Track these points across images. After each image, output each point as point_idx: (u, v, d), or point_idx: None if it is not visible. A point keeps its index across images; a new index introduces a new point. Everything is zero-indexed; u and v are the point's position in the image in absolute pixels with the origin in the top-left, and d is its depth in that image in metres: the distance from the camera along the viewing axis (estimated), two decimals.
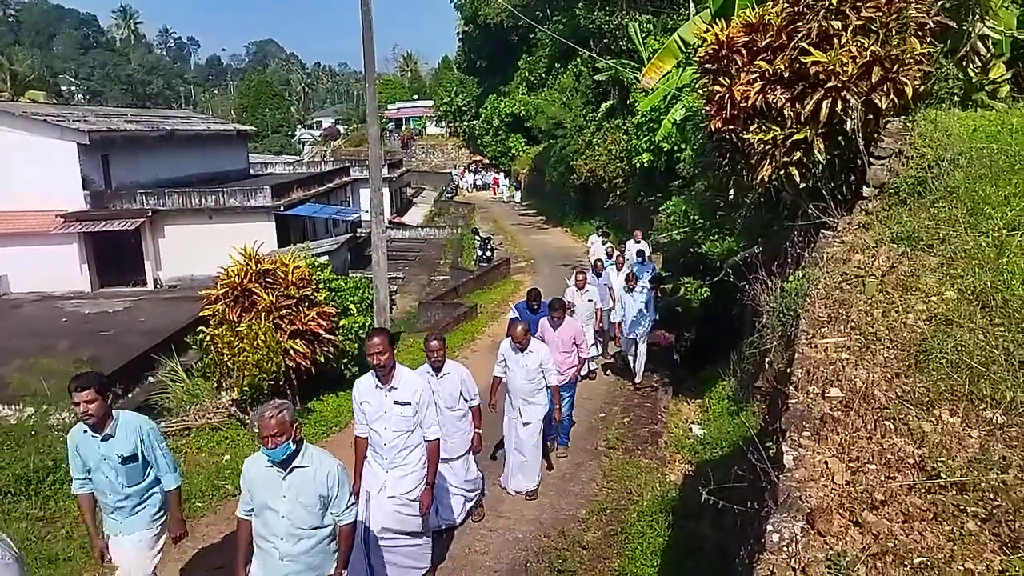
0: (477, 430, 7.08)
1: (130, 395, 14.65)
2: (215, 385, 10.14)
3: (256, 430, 4.56)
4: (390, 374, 5.37)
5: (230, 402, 9.68)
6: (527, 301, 10.43)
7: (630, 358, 12.12)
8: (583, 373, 11.39)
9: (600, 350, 13.04)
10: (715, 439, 8.70)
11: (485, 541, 7.01)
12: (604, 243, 17.54)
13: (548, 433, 8.59)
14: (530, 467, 7.95)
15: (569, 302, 11.66)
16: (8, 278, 25.44)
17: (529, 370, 7.67)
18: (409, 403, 5.42)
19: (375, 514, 5.63)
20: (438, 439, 5.69)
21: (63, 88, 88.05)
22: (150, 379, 15.01)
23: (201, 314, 10.05)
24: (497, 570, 6.56)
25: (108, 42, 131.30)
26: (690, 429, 9.86)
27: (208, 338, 9.67)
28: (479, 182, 56.67)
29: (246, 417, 9.54)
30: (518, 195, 48.46)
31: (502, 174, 52.90)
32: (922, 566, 2.54)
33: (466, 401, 6.92)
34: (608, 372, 13.00)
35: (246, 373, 9.14)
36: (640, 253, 15.38)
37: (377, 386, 5.44)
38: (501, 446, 8.56)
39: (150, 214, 26.37)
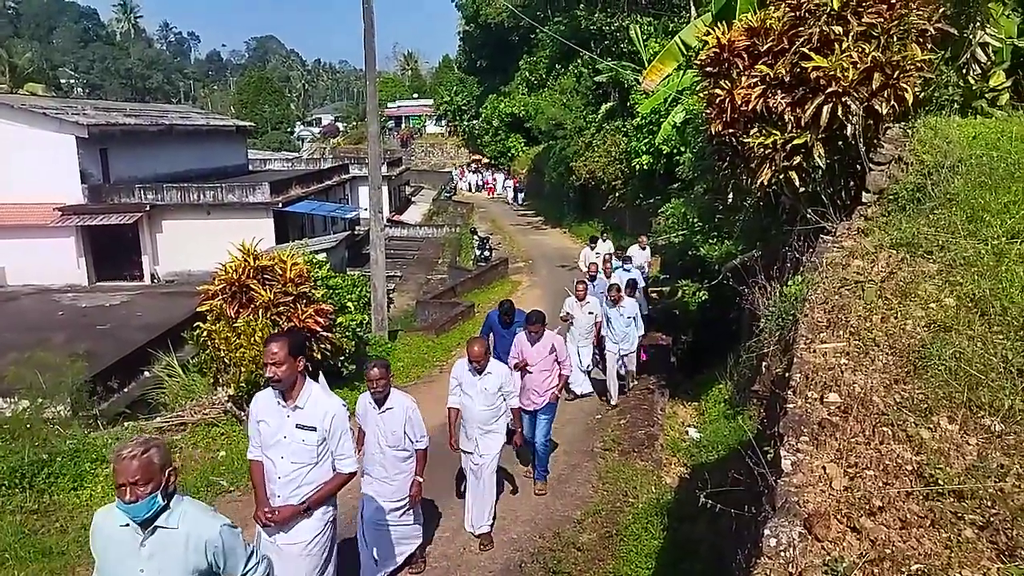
0: (418, 477, 6.01)
1: (126, 390, 14.63)
2: (211, 381, 10.13)
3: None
4: (293, 389, 4.43)
5: (226, 398, 9.68)
6: (499, 313, 9.65)
7: (610, 382, 11.24)
8: (576, 394, 11.21)
9: (592, 369, 11.88)
10: (711, 443, 8.70)
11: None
12: (593, 248, 16.94)
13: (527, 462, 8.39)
14: (483, 504, 6.94)
15: (568, 314, 11.31)
16: (5, 271, 25.37)
17: (488, 394, 6.70)
18: (315, 428, 4.42)
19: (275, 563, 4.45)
20: (353, 472, 4.64)
21: (62, 81, 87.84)
22: (146, 374, 14.98)
23: (198, 309, 10.04)
24: (492, 570, 6.57)
25: (108, 36, 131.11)
26: (686, 432, 9.86)
27: (205, 334, 9.66)
28: (479, 182, 55.31)
29: (242, 413, 9.53)
30: (520, 196, 46.50)
31: (501, 174, 52.09)
32: (919, 573, 2.54)
33: (411, 442, 5.92)
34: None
35: (243, 369, 9.13)
36: (627, 259, 14.81)
37: (279, 403, 4.48)
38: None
39: (148, 208, 26.32)
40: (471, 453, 6.89)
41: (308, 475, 4.48)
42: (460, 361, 6.91)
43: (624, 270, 13.81)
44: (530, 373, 8.07)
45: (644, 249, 16.50)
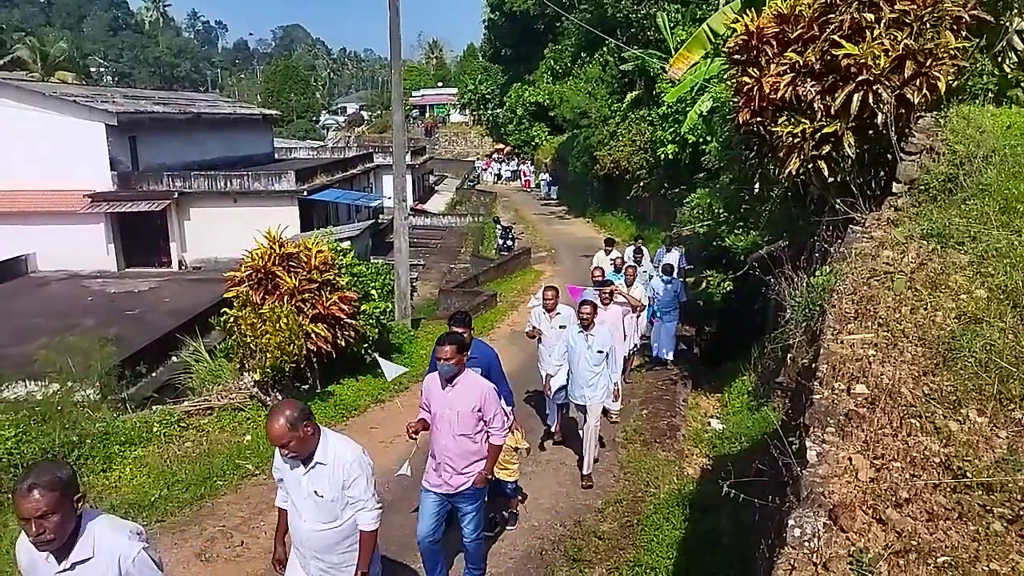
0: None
1: (154, 374, 14.86)
2: (238, 366, 10.25)
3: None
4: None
5: (252, 383, 9.78)
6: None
7: (586, 444, 8.00)
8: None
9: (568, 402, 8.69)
10: (734, 434, 8.66)
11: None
12: (609, 252, 14.45)
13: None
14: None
15: (534, 328, 9.12)
16: (35, 256, 25.82)
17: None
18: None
19: None
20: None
21: (92, 70, 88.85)
22: (174, 359, 15.20)
23: (225, 296, 10.16)
24: (512, 557, 6.60)
25: (137, 24, 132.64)
26: (709, 423, 9.82)
27: (232, 320, 9.77)
28: (510, 173, 52.57)
29: (268, 399, 9.64)
30: (555, 190, 42.63)
31: (528, 163, 50.52)
32: (946, 565, 2.52)
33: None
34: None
35: (268, 355, 9.23)
36: (668, 268, 12.90)
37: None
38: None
39: (176, 196, 26.62)
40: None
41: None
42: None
43: (664, 281, 12.44)
44: (439, 431, 5.44)
45: (670, 251, 14.95)
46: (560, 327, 8.79)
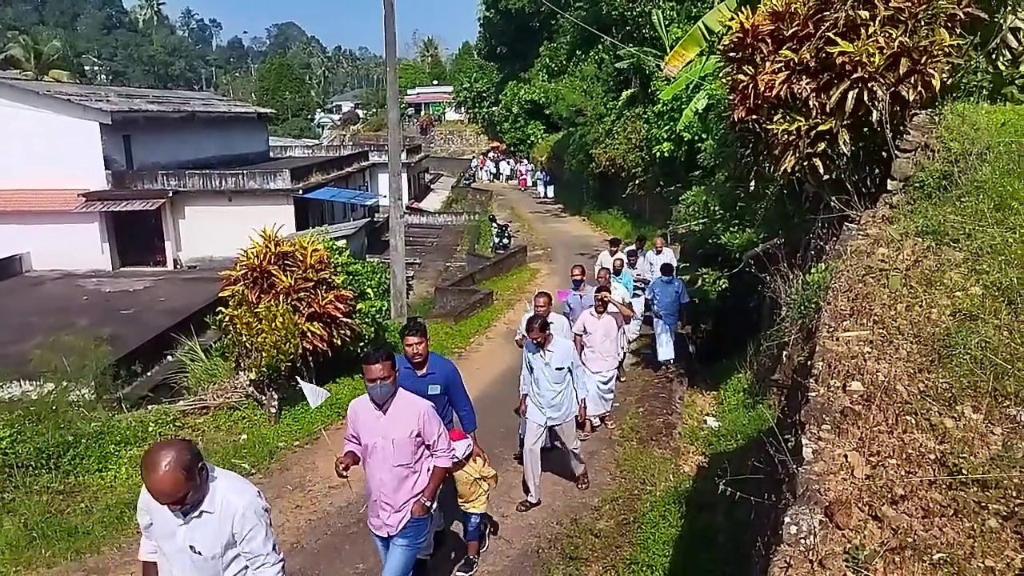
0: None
1: (149, 374, 14.82)
2: (233, 365, 10.23)
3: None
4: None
5: (248, 382, 9.77)
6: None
7: (528, 472, 7.39)
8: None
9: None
10: (730, 431, 8.68)
11: (498, 526, 7.04)
12: (614, 253, 13.32)
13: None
14: None
15: (523, 336, 8.03)
16: (30, 255, 25.74)
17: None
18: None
19: None
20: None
21: (86, 68, 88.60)
22: (169, 358, 15.17)
23: (220, 295, 10.13)
24: (509, 555, 6.60)
25: (131, 23, 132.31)
26: (705, 421, 9.83)
27: (227, 319, 9.75)
28: (507, 172, 51.91)
29: (263, 397, 9.63)
30: (551, 189, 41.64)
31: (524, 161, 50.13)
32: (941, 562, 2.52)
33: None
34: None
35: (264, 354, 9.21)
36: (667, 268, 12.10)
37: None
38: None
39: (171, 195, 26.56)
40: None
41: None
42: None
43: (663, 281, 11.83)
44: (372, 464, 4.77)
45: (660, 252, 13.93)
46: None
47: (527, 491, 7.43)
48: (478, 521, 6.17)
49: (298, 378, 9.58)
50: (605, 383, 9.29)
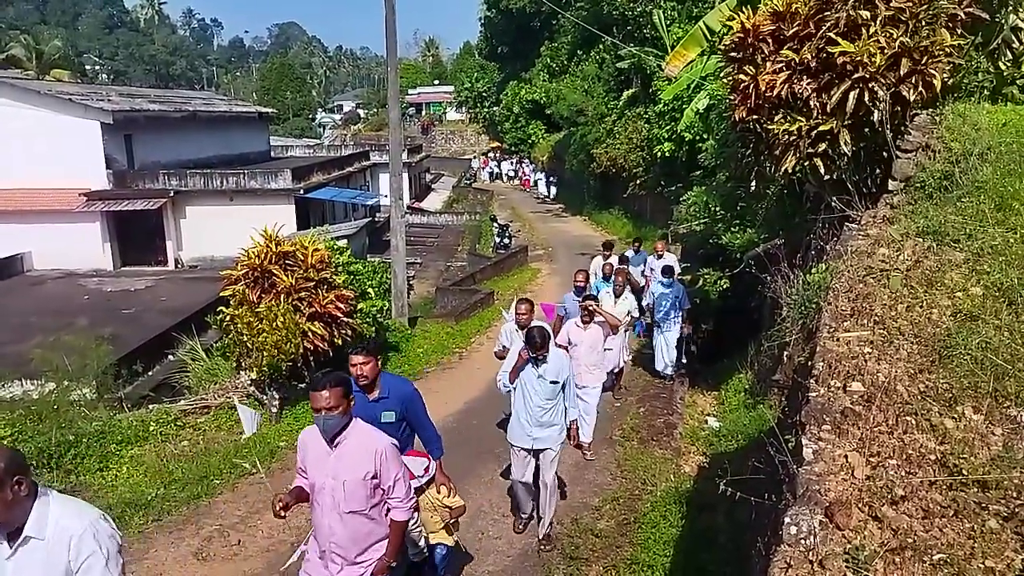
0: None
1: (150, 373, 14.83)
2: (234, 365, 10.24)
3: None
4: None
5: (249, 382, 9.79)
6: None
7: (520, 497, 6.84)
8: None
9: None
10: (731, 432, 8.68)
11: (498, 526, 7.05)
12: (607, 258, 12.88)
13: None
14: None
15: (504, 348, 7.84)
16: (31, 255, 25.75)
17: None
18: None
19: None
20: None
21: (87, 68, 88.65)
22: (171, 358, 15.17)
23: (221, 294, 10.14)
24: (510, 555, 6.60)
25: (132, 22, 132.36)
26: (705, 421, 9.83)
27: (228, 318, 9.76)
28: (509, 172, 51.50)
29: (264, 397, 9.64)
30: (553, 190, 41.15)
31: (526, 161, 49.92)
32: (941, 563, 2.52)
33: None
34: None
35: (265, 354, 9.22)
36: (668, 269, 11.67)
37: None
38: None
39: (172, 194, 26.55)
40: None
41: None
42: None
43: (663, 285, 11.49)
44: (321, 508, 4.09)
45: (661, 256, 13.40)
46: None
47: (518, 512, 6.91)
48: (444, 554, 5.46)
49: (235, 401, 8.53)
50: (588, 400, 8.49)
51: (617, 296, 10.28)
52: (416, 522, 5.16)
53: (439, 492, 5.32)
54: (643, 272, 13.85)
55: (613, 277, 10.74)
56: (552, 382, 6.27)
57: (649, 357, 12.43)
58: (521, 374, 6.35)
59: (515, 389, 6.42)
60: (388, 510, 4.12)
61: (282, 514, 4.01)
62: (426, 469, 5.21)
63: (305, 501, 4.18)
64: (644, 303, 12.21)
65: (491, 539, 6.82)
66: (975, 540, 2.60)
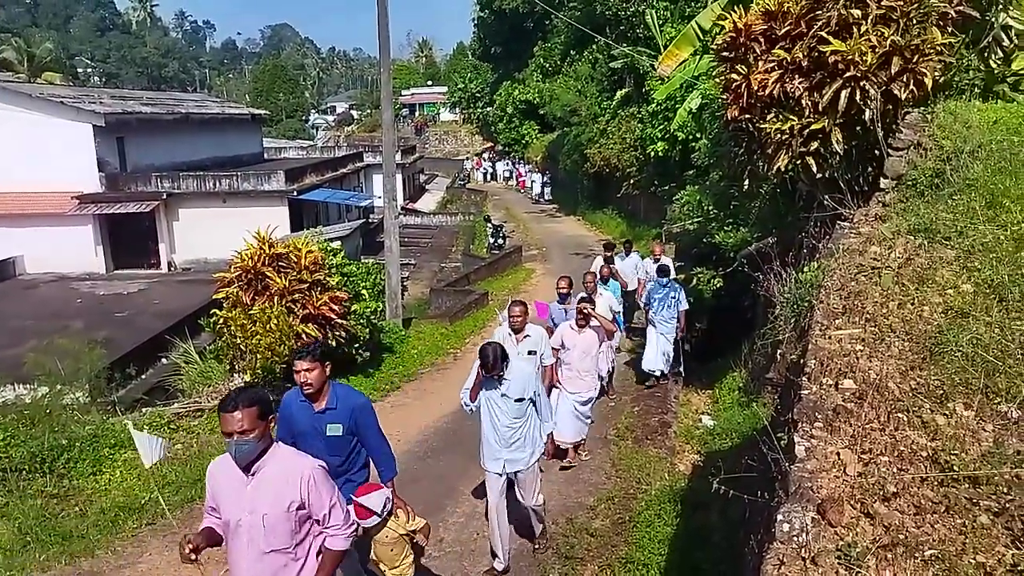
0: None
1: (144, 376, 14.78)
2: (228, 367, 10.21)
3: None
4: None
5: (242, 384, 9.75)
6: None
7: (494, 528, 6.12)
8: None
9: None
10: (725, 430, 8.69)
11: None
12: (609, 258, 12.76)
13: None
14: None
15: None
16: (24, 259, 25.61)
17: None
18: None
19: None
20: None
21: (79, 70, 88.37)
22: (164, 361, 15.12)
23: (215, 297, 10.13)
24: None
25: (124, 25, 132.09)
26: (700, 420, 9.84)
27: (221, 321, 9.74)
28: (504, 173, 51.23)
29: None
30: (548, 191, 40.50)
31: (522, 162, 49.53)
32: (933, 559, 2.53)
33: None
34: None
35: (258, 356, 9.20)
36: (663, 268, 11.20)
37: None
38: None
39: (165, 197, 26.44)
40: None
41: None
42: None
43: (660, 284, 11.03)
44: (237, 548, 3.60)
45: (658, 260, 12.58)
46: (529, 352, 7.29)
47: (494, 556, 6.20)
48: None
49: (130, 426, 7.47)
50: (583, 404, 8.27)
51: (590, 293, 9.78)
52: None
53: (398, 517, 4.82)
54: (637, 274, 13.65)
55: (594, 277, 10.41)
56: (517, 400, 5.75)
57: (641, 352, 12.31)
58: (484, 392, 5.81)
59: (479, 408, 5.89)
60: (312, 547, 3.63)
61: (192, 557, 3.46)
62: (387, 501, 4.65)
63: (218, 545, 3.67)
64: (640, 302, 12.18)
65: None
66: (966, 536, 2.61)
